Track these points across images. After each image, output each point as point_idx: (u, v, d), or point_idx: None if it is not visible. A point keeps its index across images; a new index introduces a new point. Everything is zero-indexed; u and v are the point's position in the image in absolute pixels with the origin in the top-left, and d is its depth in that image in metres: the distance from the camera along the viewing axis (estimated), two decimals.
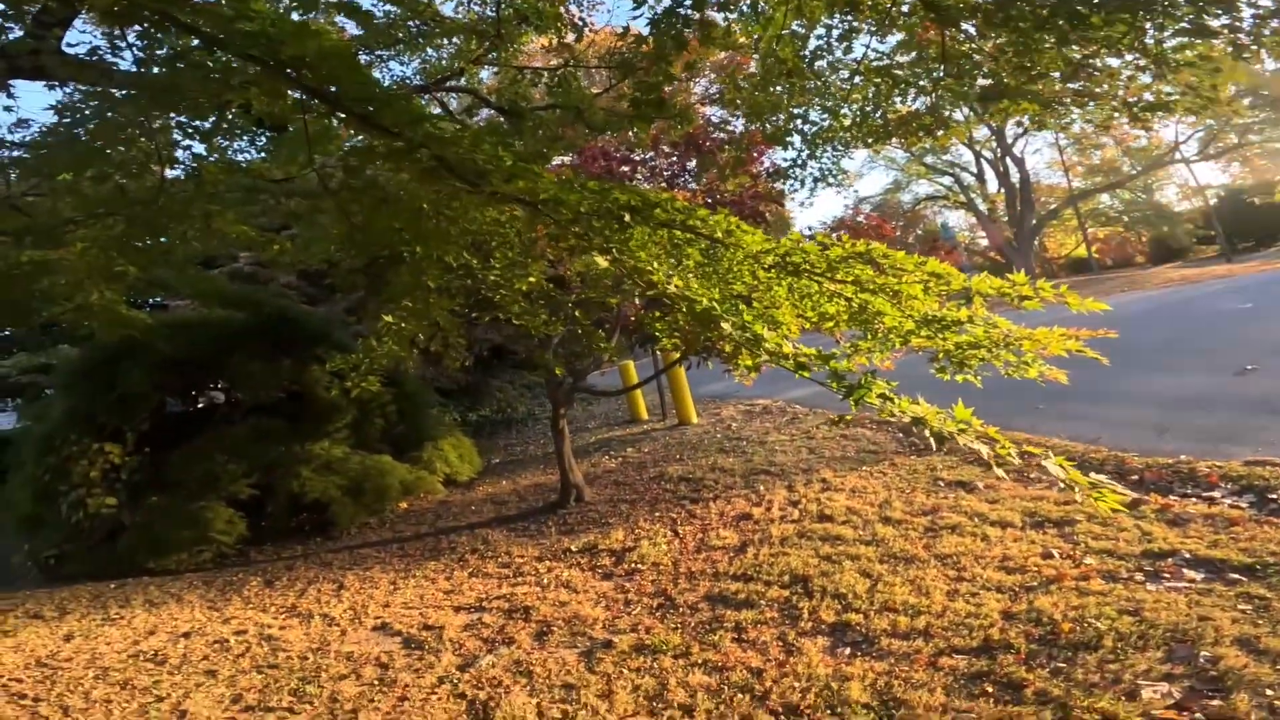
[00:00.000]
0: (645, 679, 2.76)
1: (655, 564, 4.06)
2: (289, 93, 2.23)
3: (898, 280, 2.00)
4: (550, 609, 3.68)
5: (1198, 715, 2.05)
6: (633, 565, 4.11)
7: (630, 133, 6.10)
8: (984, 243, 31.07)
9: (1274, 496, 3.44)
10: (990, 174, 29.71)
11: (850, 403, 1.72)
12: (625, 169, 6.99)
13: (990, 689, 2.32)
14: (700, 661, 2.82)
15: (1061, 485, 1.64)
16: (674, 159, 7.23)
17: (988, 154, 29.05)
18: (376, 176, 3.19)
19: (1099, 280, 20.71)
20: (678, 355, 6.29)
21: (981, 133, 26.44)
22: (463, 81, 6.82)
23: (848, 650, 2.73)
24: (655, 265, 2.01)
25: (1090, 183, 29.81)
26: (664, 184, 7.06)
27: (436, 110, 7.34)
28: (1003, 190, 28.68)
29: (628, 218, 1.85)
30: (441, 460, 7.44)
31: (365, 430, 7.08)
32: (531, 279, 3.98)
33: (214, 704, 3.22)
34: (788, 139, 5.51)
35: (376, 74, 6.59)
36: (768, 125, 5.37)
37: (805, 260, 1.97)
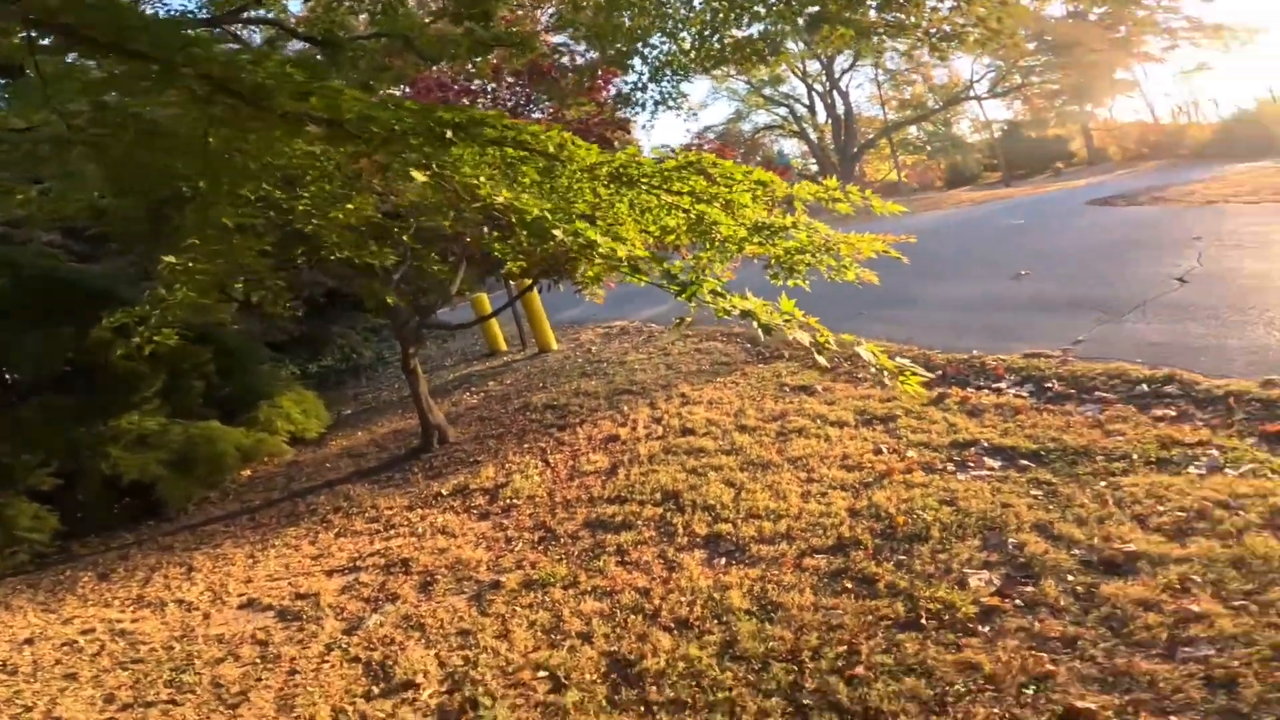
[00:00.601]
0: (539, 614, 2.84)
1: (530, 497, 4.12)
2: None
3: (729, 190, 2.09)
4: (430, 558, 3.63)
5: (1017, 601, 2.35)
6: (508, 501, 4.14)
7: (469, 63, 5.66)
8: (815, 168, 33.66)
9: (1049, 385, 4.17)
10: (820, 106, 32.60)
11: (690, 307, 1.82)
12: (465, 101, 6.55)
13: (849, 585, 2.59)
14: (590, 589, 2.93)
15: (874, 374, 1.84)
16: (519, 88, 6.87)
17: (818, 87, 31.98)
18: (139, 111, 2.70)
19: (907, 201, 23.08)
20: (529, 282, 6.19)
21: (813, 67, 29.27)
22: (261, 12, 5.84)
23: (723, 560, 2.96)
24: (482, 180, 1.94)
25: (901, 115, 33.68)
26: (508, 115, 6.73)
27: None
28: (830, 121, 31.79)
29: (450, 134, 1.75)
30: (283, 419, 6.84)
31: (182, 396, 6.27)
32: (350, 207, 3.61)
33: (87, 707, 2.90)
34: (629, 64, 5.44)
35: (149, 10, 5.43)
36: (610, 51, 5.25)
37: (640, 172, 2.00)
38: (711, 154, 2.11)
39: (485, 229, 4.51)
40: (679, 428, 4.63)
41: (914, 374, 1.69)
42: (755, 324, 1.67)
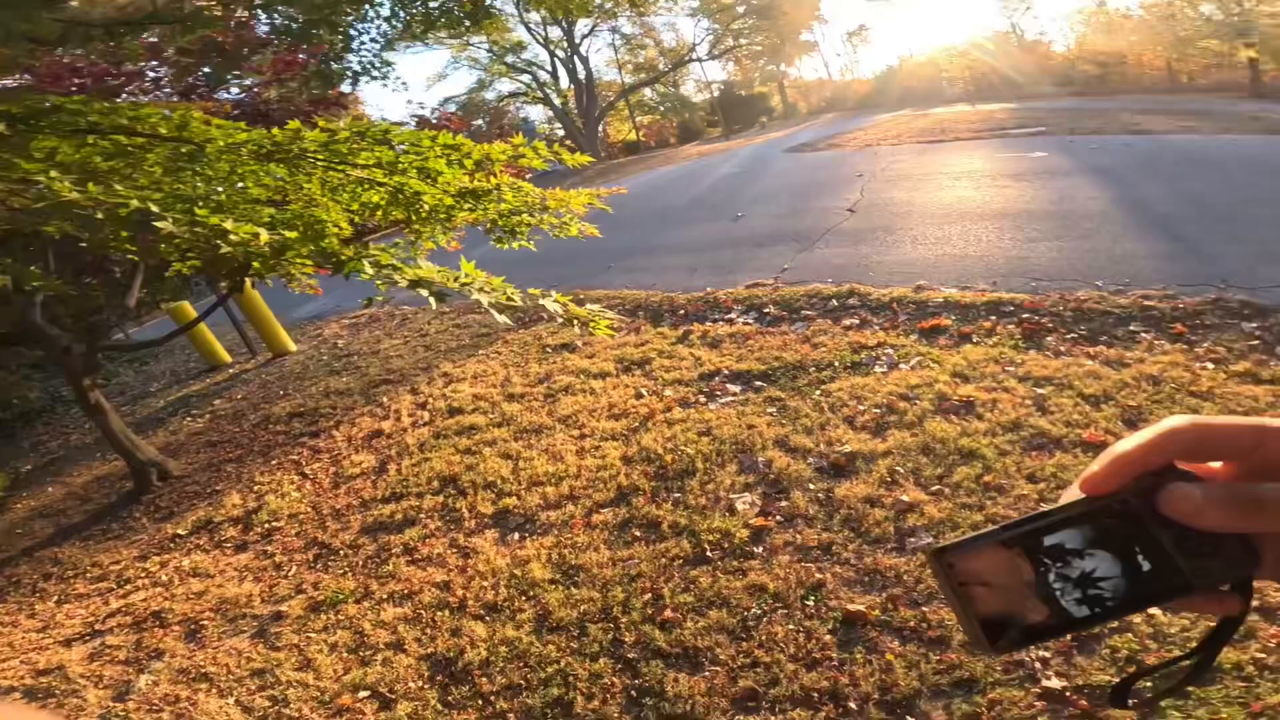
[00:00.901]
0: (338, 634, 2.58)
1: (292, 516, 3.67)
2: None
3: (422, 159, 1.99)
4: (187, 604, 3.06)
5: (778, 518, 2.60)
6: (266, 526, 3.64)
7: (119, 45, 4.54)
8: (561, 133, 34.30)
9: (767, 311, 4.80)
10: (563, 72, 33.42)
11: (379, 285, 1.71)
12: (118, 83, 5.32)
13: (637, 532, 2.70)
14: (386, 596, 2.73)
15: (563, 323, 1.89)
16: (189, 67, 5.75)
17: (560, 53, 32.51)
18: None
19: (646, 158, 24.64)
20: (225, 285, 5.36)
21: (555, 33, 30.29)
22: None
23: (516, 535, 2.93)
24: (54, 175, 1.60)
25: (637, 78, 36.17)
26: (176, 97, 5.64)
27: None
28: (572, 86, 32.90)
29: (3, 128, 1.44)
30: None
31: None
32: None
33: None
34: (315, 34, 4.84)
35: None
36: (283, 20, 4.61)
37: (301, 147, 1.81)
38: (394, 125, 1.95)
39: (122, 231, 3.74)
40: (446, 409, 4.46)
41: (602, 319, 1.78)
42: (425, 291, 1.62)
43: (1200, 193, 5.79)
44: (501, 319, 1.68)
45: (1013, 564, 0.32)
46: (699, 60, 35.07)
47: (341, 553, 3.19)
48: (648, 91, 37.19)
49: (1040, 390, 3.08)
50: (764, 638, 2.09)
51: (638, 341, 4.69)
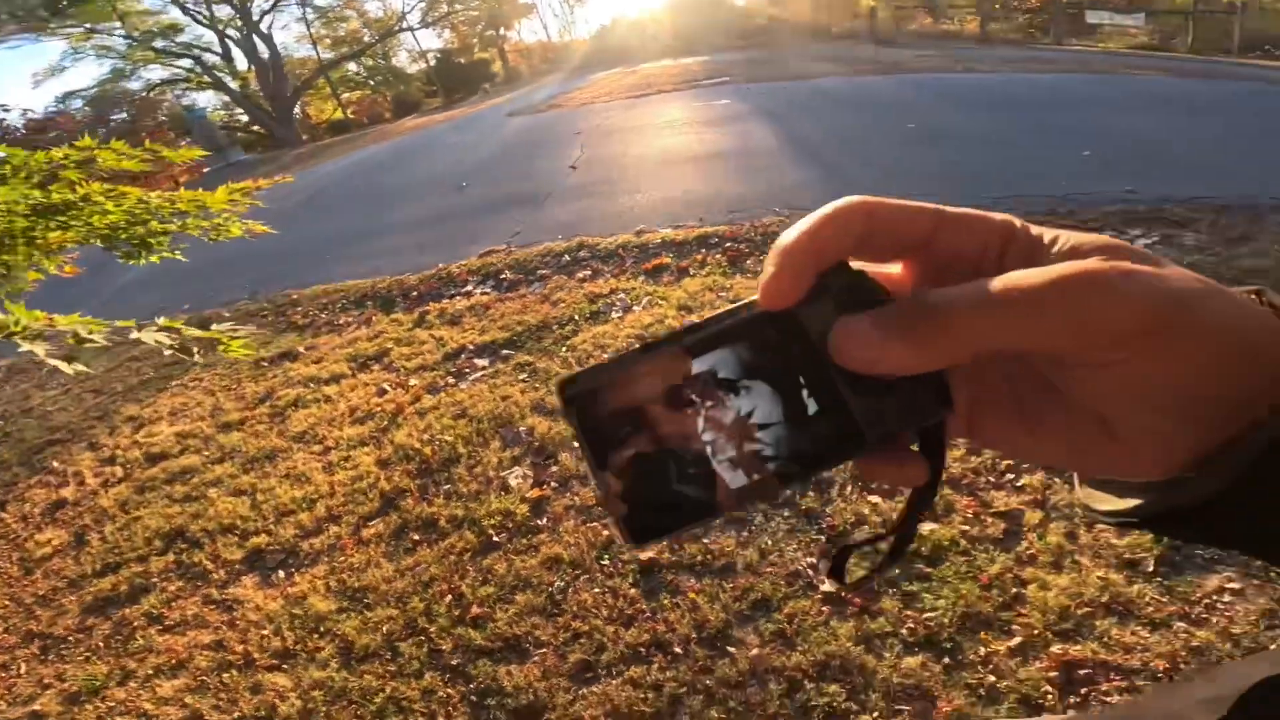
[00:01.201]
0: None
1: None
2: None
3: None
4: None
5: (553, 484, 2.57)
6: None
7: None
8: (245, 118, 29.69)
9: (504, 277, 4.72)
10: (239, 53, 28.69)
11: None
12: None
13: (416, 536, 2.51)
14: (152, 672, 2.23)
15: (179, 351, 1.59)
16: None
17: (234, 33, 28.04)
18: None
19: (359, 136, 22.47)
20: None
21: (224, 11, 26.30)
22: None
23: (280, 573, 2.57)
24: None
25: (337, 53, 32.84)
26: None
27: None
28: (254, 67, 28.51)
29: None
30: None
31: None
32: None
33: None
34: None
35: None
36: None
37: None
38: None
39: None
40: (143, 458, 3.69)
41: (233, 339, 1.58)
42: (41, 352, 1.28)
43: (838, 128, 7.00)
44: (59, 364, 1.36)
45: (655, 404, 0.24)
46: (410, 30, 32.92)
47: (71, 639, 2.53)
48: (353, 66, 34.05)
49: None
50: (576, 608, 2.08)
51: (370, 334, 4.33)
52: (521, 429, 2.97)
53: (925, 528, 2.18)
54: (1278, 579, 1.96)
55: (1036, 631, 1.81)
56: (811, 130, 6.94)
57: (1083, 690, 1.67)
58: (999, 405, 0.28)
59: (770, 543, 2.19)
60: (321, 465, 3.14)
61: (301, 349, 4.41)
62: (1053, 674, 1.71)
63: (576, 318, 3.86)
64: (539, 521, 2.46)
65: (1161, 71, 12.60)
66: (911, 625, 1.87)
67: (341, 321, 4.65)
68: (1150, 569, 1.96)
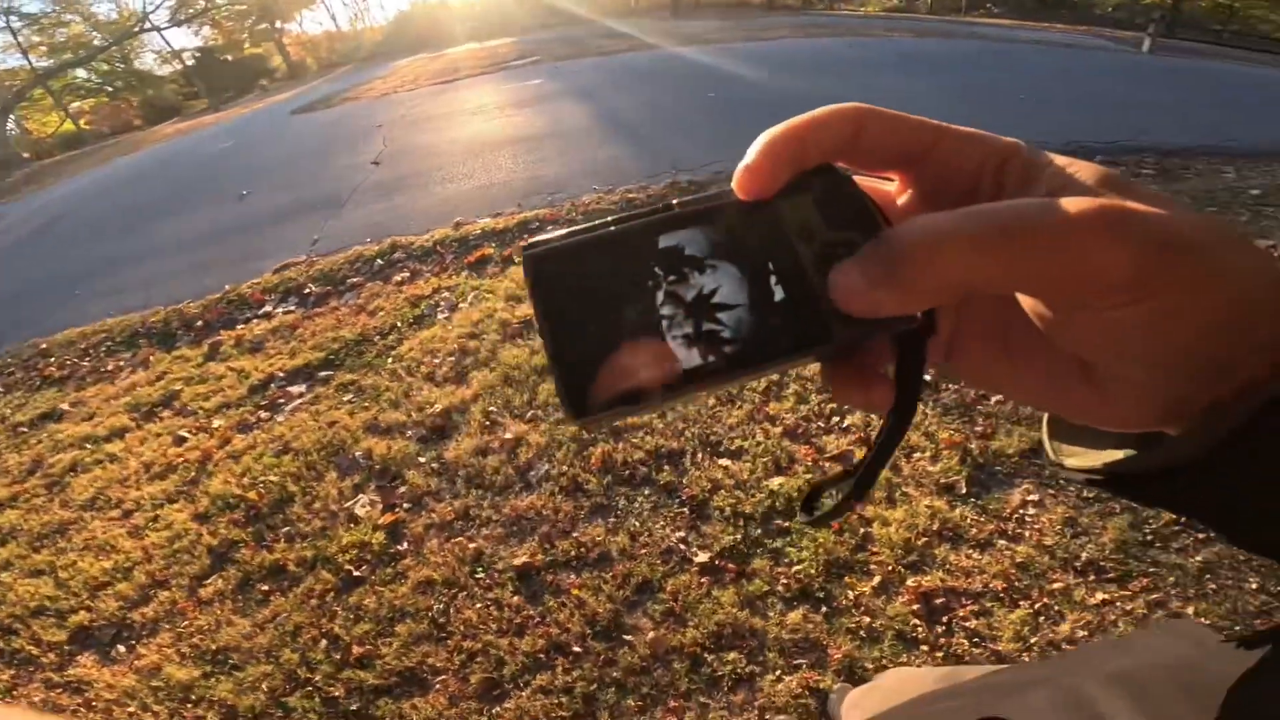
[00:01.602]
0: None
1: None
2: None
3: None
4: None
5: (405, 505, 2.39)
6: None
7: None
8: None
9: (308, 291, 4.22)
10: None
11: None
12: None
13: (265, 586, 2.25)
14: None
15: None
16: None
17: None
18: None
19: (101, 148, 19.26)
20: None
21: None
22: None
23: (120, 648, 2.20)
24: None
25: (57, 60, 29.04)
26: None
27: None
28: None
29: None
30: None
31: None
32: None
33: None
34: None
35: None
36: None
37: None
38: None
39: None
40: None
41: None
42: None
43: (646, 101, 7.10)
44: None
45: (616, 273, 0.23)
46: (157, 29, 29.24)
47: None
48: (80, 72, 29.87)
49: None
50: (463, 628, 1.97)
51: (151, 376, 3.68)
52: (357, 454, 2.70)
53: (774, 481, 2.26)
54: (1105, 497, 2.24)
55: (890, 568, 1.94)
56: (622, 105, 6.97)
57: (944, 619, 1.81)
58: (984, 335, 0.27)
59: (638, 524, 2.18)
60: (126, 530, 2.67)
61: (65, 405, 3.64)
62: (915, 606, 1.85)
63: (399, 325, 3.55)
64: (399, 547, 2.29)
65: (910, 33, 14.30)
66: (785, 581, 1.94)
67: (111, 367, 3.90)
68: (964, 490, 2.17)
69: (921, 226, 0.21)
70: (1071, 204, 0.19)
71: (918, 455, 2.33)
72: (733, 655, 1.77)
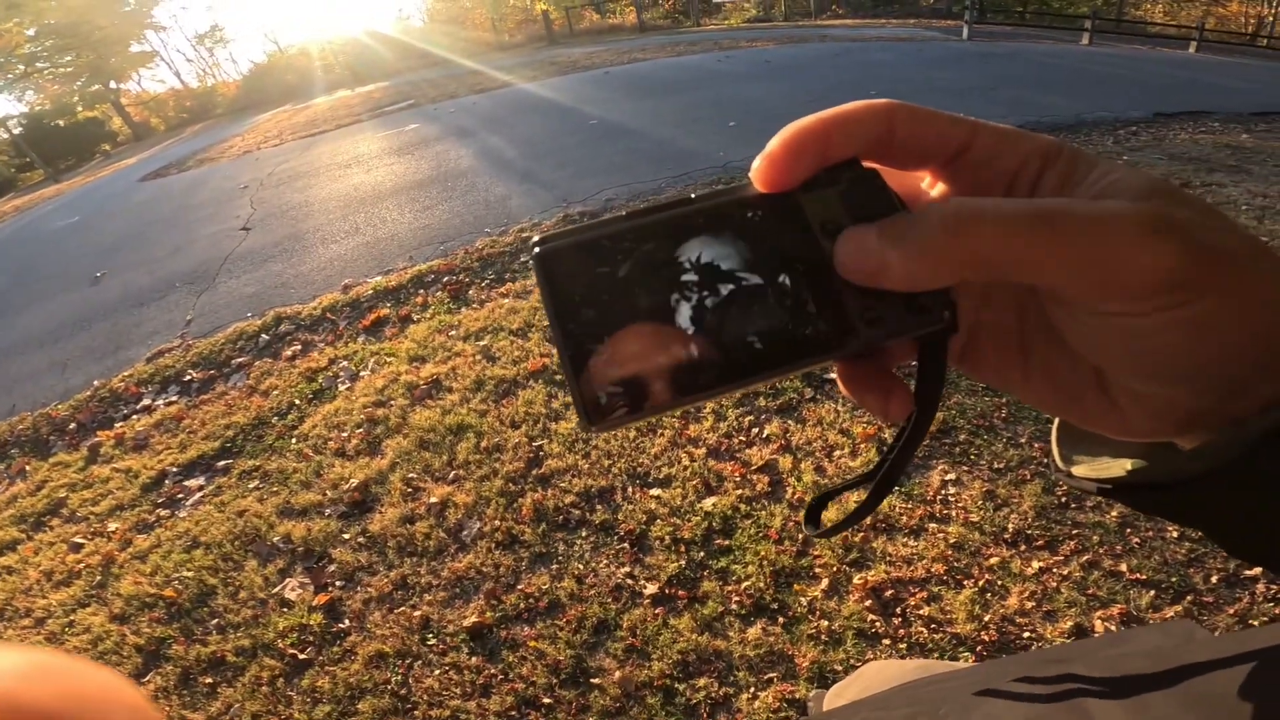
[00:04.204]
0: None
1: None
2: None
3: None
4: None
5: (338, 583, 2.30)
6: None
7: None
8: None
9: (189, 378, 3.88)
10: None
11: None
12: None
13: (208, 680, 2.11)
14: None
15: None
16: None
17: None
18: None
19: None
20: None
21: None
22: None
23: None
24: None
25: None
26: None
27: None
28: None
29: None
30: None
31: None
32: None
33: None
34: None
35: None
36: None
37: None
38: None
39: None
40: None
41: None
42: None
43: (529, 135, 7.11)
44: None
45: (634, 274, 0.22)
46: None
47: None
48: None
49: (483, 342, 3.35)
50: (427, 697, 1.89)
51: (30, 487, 3.29)
52: (275, 540, 2.56)
53: (707, 502, 2.30)
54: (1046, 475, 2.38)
55: (835, 569, 2.00)
56: (505, 142, 6.92)
57: (898, 610, 1.88)
58: (1000, 338, 0.26)
59: (581, 566, 2.15)
60: (43, 637, 2.48)
61: None
62: (868, 603, 1.90)
63: (297, 402, 3.35)
64: (341, 624, 2.19)
65: (771, 41, 15.13)
66: (737, 599, 1.96)
67: None
68: None
69: (954, 201, 0.20)
70: (1118, 205, 0.19)
71: (838, 453, 2.44)
72: (703, 681, 1.78)
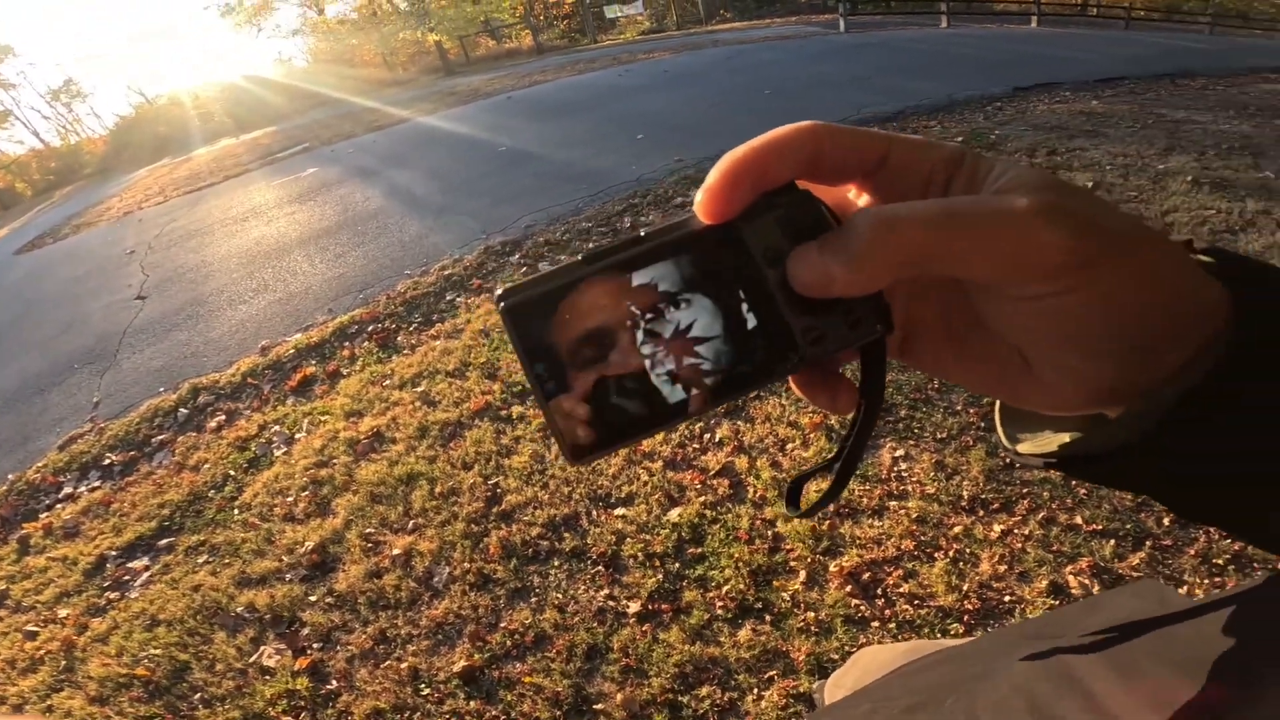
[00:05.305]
0: None
1: None
2: None
3: None
4: None
5: (315, 645, 2.24)
6: None
7: None
8: None
9: (110, 461, 3.60)
10: None
11: None
12: None
13: None
14: None
15: None
16: None
17: None
18: None
19: None
20: None
21: None
22: None
23: None
24: None
25: None
26: None
27: None
28: None
29: None
30: None
31: None
32: None
33: None
34: None
35: None
36: None
37: None
38: None
39: None
40: None
41: None
42: None
43: (438, 168, 7.00)
44: None
45: (594, 317, 0.24)
46: None
47: None
48: None
49: (420, 388, 3.30)
50: None
51: None
52: (239, 610, 2.46)
53: (673, 514, 2.34)
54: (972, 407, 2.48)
55: (810, 560, 2.06)
56: (413, 178, 6.78)
57: (878, 591, 1.95)
58: (932, 330, 0.28)
59: (561, 595, 2.15)
60: None
61: None
62: (848, 589, 1.96)
63: (232, 473, 3.19)
64: (330, 686, 2.11)
65: (667, 51, 15.48)
66: (721, 604, 1.99)
67: None
68: None
69: (875, 210, 0.23)
70: (1013, 197, 0.22)
71: (790, 445, 2.53)
72: (705, 690, 1.80)
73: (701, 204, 0.24)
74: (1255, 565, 1.91)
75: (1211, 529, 1.97)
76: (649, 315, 0.24)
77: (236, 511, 2.95)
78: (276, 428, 3.40)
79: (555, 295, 0.24)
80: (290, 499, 2.90)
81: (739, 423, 2.69)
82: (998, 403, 0.31)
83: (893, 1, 22.55)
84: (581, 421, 0.24)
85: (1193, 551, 1.94)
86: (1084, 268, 0.22)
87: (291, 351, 4.02)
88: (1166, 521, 2.04)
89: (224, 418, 3.66)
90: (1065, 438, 0.28)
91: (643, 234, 0.24)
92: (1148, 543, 1.98)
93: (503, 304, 0.24)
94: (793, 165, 0.24)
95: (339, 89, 22.12)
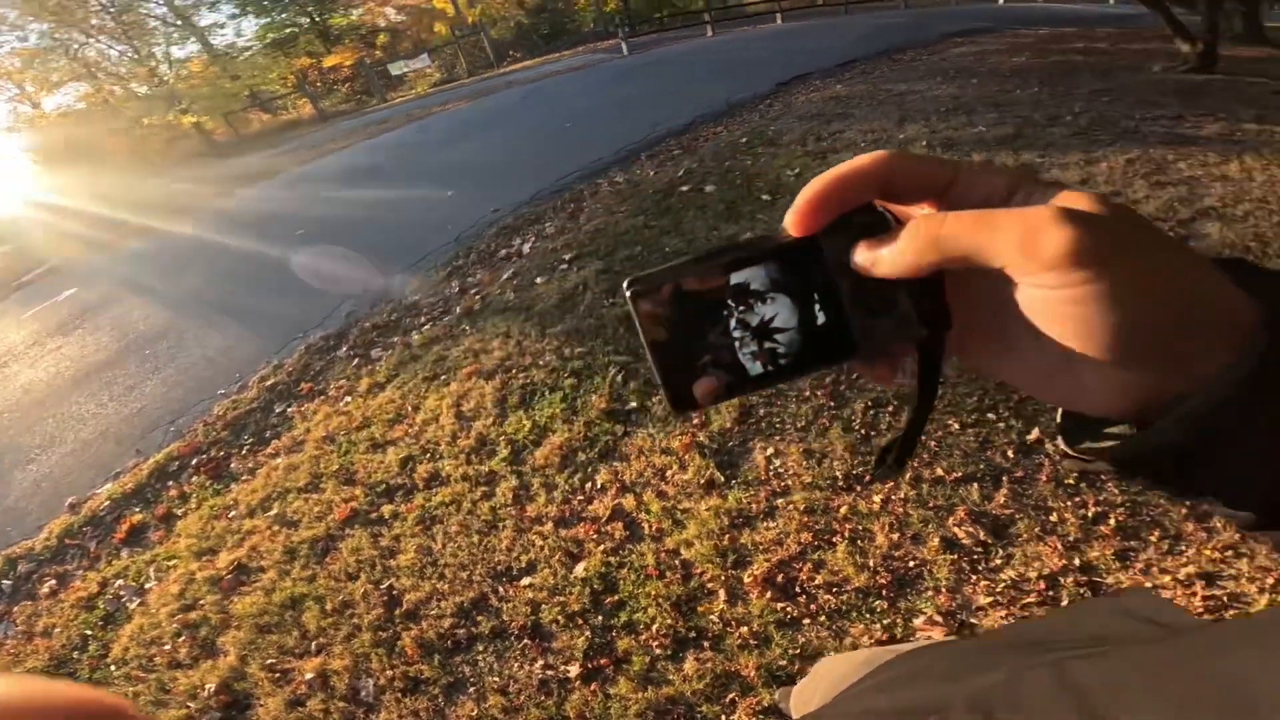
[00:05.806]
0: None
1: None
2: None
3: None
4: None
5: None
6: None
7: None
8: None
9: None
10: None
11: None
12: None
13: None
14: None
15: None
16: None
17: None
18: None
19: None
20: None
21: None
22: None
23: None
24: None
25: None
26: None
27: None
28: None
29: None
30: None
31: None
32: None
33: None
34: None
35: None
36: None
37: None
38: None
39: None
40: None
41: None
42: None
43: (229, 266, 6.35)
44: None
45: (699, 304, 0.30)
46: None
47: None
48: None
49: (272, 511, 2.99)
50: None
51: None
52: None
53: (579, 569, 2.29)
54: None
55: (724, 576, 2.09)
56: (201, 282, 6.07)
57: (797, 588, 2.00)
58: (985, 332, 0.31)
59: (498, 679, 2.06)
60: None
61: None
62: (769, 595, 2.00)
63: (90, 632, 2.71)
64: None
65: (463, 100, 15.33)
66: (656, 643, 1.98)
67: None
68: (722, 479, 2.45)
69: (926, 214, 0.28)
70: (1040, 205, 0.25)
71: (670, 471, 2.58)
72: (706, 706, 1.78)
73: (790, 221, 0.30)
74: (1103, 478, 2.13)
75: (1048, 447, 2.14)
76: (741, 308, 0.30)
77: (113, 668, 2.52)
78: (120, 581, 2.94)
79: (670, 285, 0.30)
80: (167, 646, 2.52)
81: (614, 464, 2.71)
82: (1059, 410, 0.33)
83: (664, 19, 24.15)
84: (687, 385, 0.31)
85: (1044, 477, 2.16)
86: (1094, 264, 0.24)
87: (107, 503, 3.46)
88: (1011, 453, 2.24)
89: (55, 582, 3.08)
90: (1112, 442, 0.29)
91: (743, 242, 0.30)
92: (1004, 479, 2.17)
93: (627, 288, 0.30)
94: (868, 188, 0.29)
95: (75, 197, 19.37)
